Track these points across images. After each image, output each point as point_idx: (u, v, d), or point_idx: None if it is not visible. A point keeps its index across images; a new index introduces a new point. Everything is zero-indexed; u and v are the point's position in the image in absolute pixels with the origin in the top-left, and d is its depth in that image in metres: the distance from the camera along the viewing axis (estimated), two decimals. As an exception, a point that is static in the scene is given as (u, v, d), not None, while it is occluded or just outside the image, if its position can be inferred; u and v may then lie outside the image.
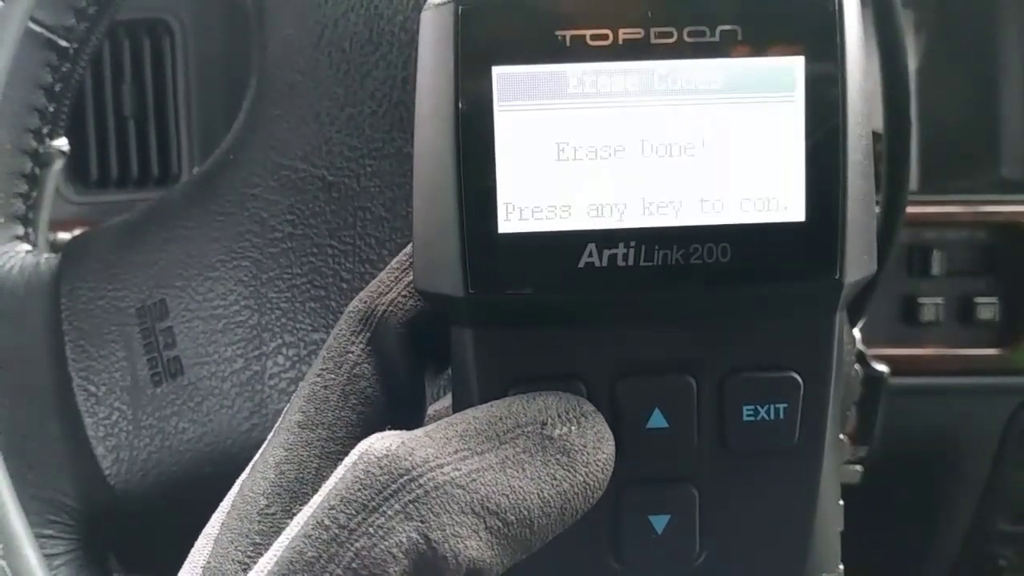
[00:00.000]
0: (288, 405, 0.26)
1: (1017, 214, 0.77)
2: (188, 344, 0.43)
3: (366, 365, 0.26)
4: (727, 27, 0.23)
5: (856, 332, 0.60)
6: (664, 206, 0.23)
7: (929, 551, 0.90)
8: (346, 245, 0.43)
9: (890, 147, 0.46)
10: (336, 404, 0.25)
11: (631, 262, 0.23)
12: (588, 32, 0.22)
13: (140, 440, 0.43)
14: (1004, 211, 0.78)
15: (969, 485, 0.86)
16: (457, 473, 0.21)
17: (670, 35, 0.23)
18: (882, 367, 0.65)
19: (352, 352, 0.26)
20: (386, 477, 0.21)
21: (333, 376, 0.26)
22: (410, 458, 0.21)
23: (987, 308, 0.78)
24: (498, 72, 0.23)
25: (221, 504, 0.25)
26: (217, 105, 0.87)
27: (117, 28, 0.88)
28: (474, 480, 0.21)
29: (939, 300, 0.78)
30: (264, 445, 0.26)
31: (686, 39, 0.23)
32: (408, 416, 0.27)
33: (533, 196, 0.23)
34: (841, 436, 0.66)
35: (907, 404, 0.78)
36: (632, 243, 0.23)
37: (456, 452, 0.22)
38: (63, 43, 0.47)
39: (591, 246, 0.23)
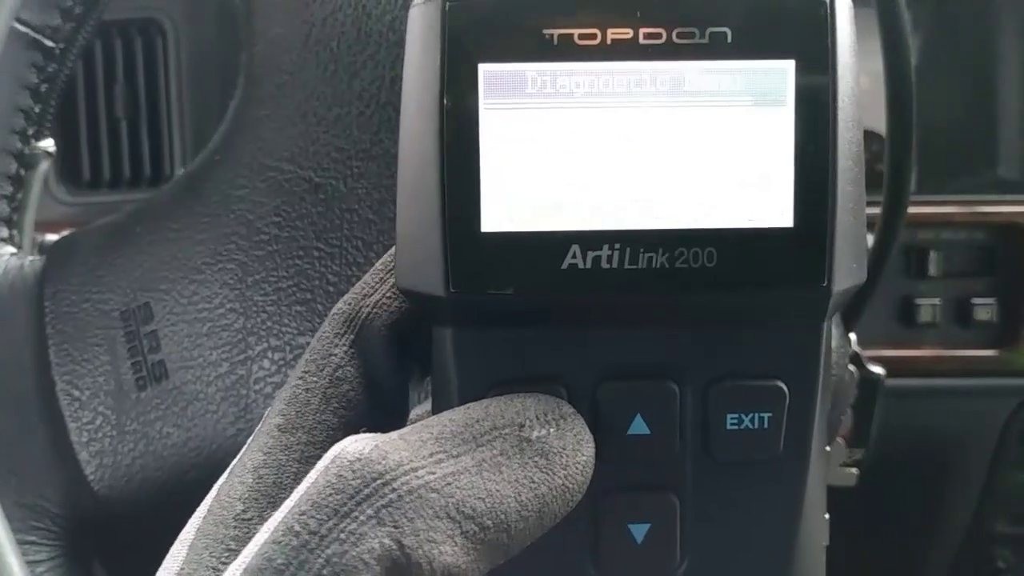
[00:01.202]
0: (269, 408, 0.26)
1: (1015, 214, 0.77)
2: (173, 348, 0.43)
3: (349, 368, 0.25)
4: (717, 29, 0.22)
5: (852, 334, 0.60)
6: (650, 209, 0.23)
7: (927, 553, 0.90)
8: (332, 248, 0.43)
9: (892, 149, 0.46)
10: (317, 407, 0.25)
11: (615, 264, 0.23)
12: (576, 31, 0.22)
13: (124, 445, 0.42)
14: (1002, 211, 0.77)
15: (967, 487, 0.86)
16: (432, 477, 0.21)
17: (659, 36, 0.22)
18: (878, 369, 0.64)
19: (335, 354, 0.25)
20: (358, 481, 0.21)
21: (315, 379, 0.25)
22: (383, 462, 0.21)
23: (984, 309, 0.78)
24: (484, 69, 0.22)
25: (198, 509, 0.25)
26: (210, 105, 0.86)
27: (109, 28, 0.87)
28: (449, 484, 0.21)
29: (936, 301, 0.78)
30: (243, 449, 0.25)
31: (675, 40, 0.22)
32: (391, 420, 0.26)
33: (517, 195, 0.23)
34: (838, 439, 0.66)
35: (904, 406, 0.77)
36: (617, 245, 0.23)
37: (431, 455, 0.21)
38: (49, 43, 0.47)
39: (575, 247, 0.23)
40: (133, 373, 0.43)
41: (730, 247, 0.23)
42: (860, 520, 0.88)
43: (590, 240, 0.23)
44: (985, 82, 0.81)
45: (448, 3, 0.22)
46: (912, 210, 0.77)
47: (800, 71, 0.22)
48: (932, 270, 0.78)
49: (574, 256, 0.23)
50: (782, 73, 0.22)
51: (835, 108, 0.22)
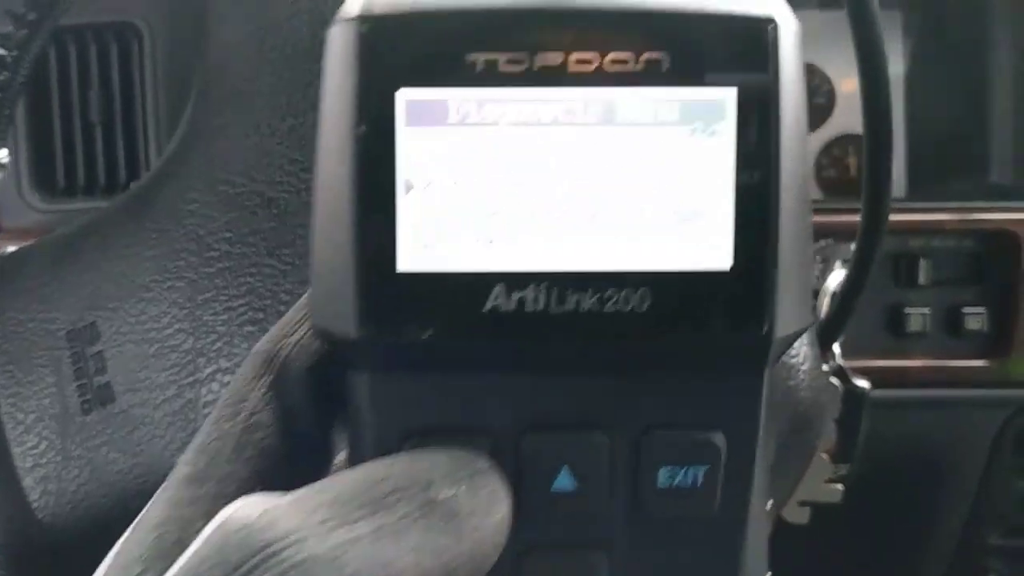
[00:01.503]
0: (181, 457, 0.24)
1: (1006, 221, 0.76)
2: (119, 370, 0.41)
3: (265, 413, 0.23)
4: (652, 55, 0.21)
5: (835, 347, 0.58)
6: (579, 247, 0.21)
7: (919, 565, 0.88)
8: (286, 264, 0.41)
9: (870, 155, 0.44)
10: (229, 457, 0.23)
11: (541, 307, 0.21)
12: (502, 56, 0.21)
13: (69, 471, 0.41)
14: (993, 218, 0.76)
15: (959, 498, 0.84)
16: (323, 548, 0.19)
17: (590, 62, 0.21)
18: (863, 382, 0.62)
19: (250, 399, 0.23)
20: (241, 553, 0.19)
21: (228, 425, 0.23)
22: (271, 530, 0.19)
23: (975, 318, 0.77)
24: (402, 96, 0.21)
25: (97, 571, 0.23)
26: (186, 111, 0.84)
27: (84, 32, 0.86)
28: (342, 554, 0.19)
29: (926, 310, 0.77)
30: (150, 502, 0.24)
31: (608, 66, 0.21)
32: (312, 471, 0.24)
33: (436, 232, 0.21)
34: (822, 454, 0.64)
35: (894, 417, 0.76)
36: (543, 286, 0.21)
37: (324, 522, 0.19)
38: (0, 51, 0.45)
39: (498, 288, 0.21)
40: (78, 396, 0.41)
41: (664, 290, 0.21)
42: (850, 532, 0.87)
43: (514, 281, 0.21)
44: (977, 86, 0.80)
45: (364, 24, 0.21)
46: (902, 217, 0.76)
47: (741, 100, 0.21)
48: (922, 278, 0.77)
49: (497, 298, 0.21)
50: (722, 102, 0.21)
51: (778, 140, 0.21)
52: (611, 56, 0.21)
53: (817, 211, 0.79)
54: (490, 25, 0.21)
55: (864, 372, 0.68)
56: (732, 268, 0.21)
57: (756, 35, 0.21)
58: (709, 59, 0.21)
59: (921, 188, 0.79)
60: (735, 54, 0.21)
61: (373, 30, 0.21)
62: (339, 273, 0.21)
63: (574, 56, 0.21)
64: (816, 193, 0.87)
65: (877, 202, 0.44)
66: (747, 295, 0.21)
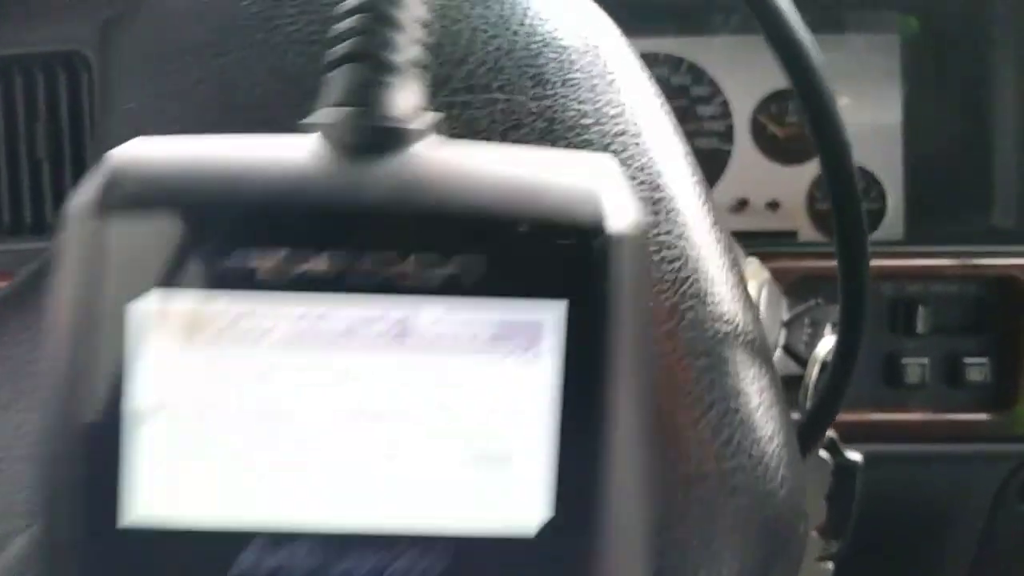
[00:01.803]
0: None
1: (1010, 267, 0.73)
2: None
3: None
4: (458, 263, 0.17)
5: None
6: (356, 500, 0.18)
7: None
8: None
9: (837, 209, 0.39)
10: None
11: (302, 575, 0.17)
12: (269, 258, 0.17)
13: None
14: (995, 264, 0.73)
15: (960, 553, 0.82)
16: None
17: (387, 264, 0.17)
18: (855, 456, 0.58)
19: None
20: None
21: None
22: None
23: (977, 369, 0.75)
24: (143, 304, 0.17)
25: None
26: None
27: (30, 62, 0.82)
28: None
29: (924, 360, 0.74)
30: None
31: (402, 275, 0.17)
32: None
33: (174, 477, 0.17)
34: (812, 532, 0.60)
35: (891, 473, 0.72)
36: (306, 550, 0.17)
37: None
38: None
39: (249, 551, 0.17)
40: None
41: (459, 558, 0.17)
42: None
43: (269, 542, 0.17)
44: (979, 127, 0.76)
45: (103, 214, 0.17)
46: (899, 261, 0.72)
47: (565, 322, 0.17)
48: (920, 326, 0.74)
49: (246, 563, 0.17)
50: (541, 323, 0.17)
51: (609, 371, 0.17)
52: (407, 263, 0.17)
53: (810, 256, 0.75)
54: (256, 220, 0.17)
55: (859, 426, 0.64)
56: (545, 530, 0.17)
57: (583, 249, 0.17)
58: (527, 273, 0.17)
59: (920, 230, 0.75)
60: (558, 268, 0.17)
61: (113, 223, 0.17)
62: (56, 519, 0.17)
63: (360, 261, 0.17)
64: (811, 233, 0.82)
65: (855, 273, 0.40)
66: (563, 565, 0.17)
